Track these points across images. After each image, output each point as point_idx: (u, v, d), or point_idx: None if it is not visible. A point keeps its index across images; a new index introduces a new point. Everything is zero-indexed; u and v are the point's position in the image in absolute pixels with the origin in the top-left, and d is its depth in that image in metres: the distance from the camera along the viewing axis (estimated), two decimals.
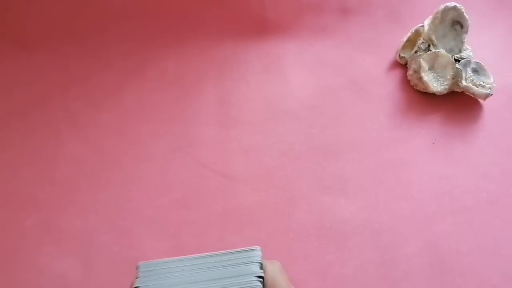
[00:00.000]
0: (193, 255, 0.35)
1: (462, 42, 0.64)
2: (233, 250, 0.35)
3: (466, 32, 0.64)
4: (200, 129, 0.60)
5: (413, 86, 0.65)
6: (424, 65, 0.62)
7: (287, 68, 0.67)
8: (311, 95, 0.64)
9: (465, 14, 0.63)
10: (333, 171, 0.56)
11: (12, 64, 0.67)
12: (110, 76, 0.66)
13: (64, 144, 0.58)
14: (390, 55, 0.69)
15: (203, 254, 0.35)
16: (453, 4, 0.63)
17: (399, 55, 0.67)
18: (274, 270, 0.35)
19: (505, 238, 0.51)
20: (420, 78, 0.62)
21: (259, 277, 0.34)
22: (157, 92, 0.64)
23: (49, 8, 0.71)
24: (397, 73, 0.67)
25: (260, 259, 0.34)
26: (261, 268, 0.34)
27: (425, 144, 0.59)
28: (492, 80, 0.62)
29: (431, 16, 0.66)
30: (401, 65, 0.68)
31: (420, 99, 0.63)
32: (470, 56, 0.64)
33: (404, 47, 0.67)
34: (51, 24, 0.70)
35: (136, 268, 0.35)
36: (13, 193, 0.54)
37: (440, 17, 0.63)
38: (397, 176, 0.56)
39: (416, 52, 0.65)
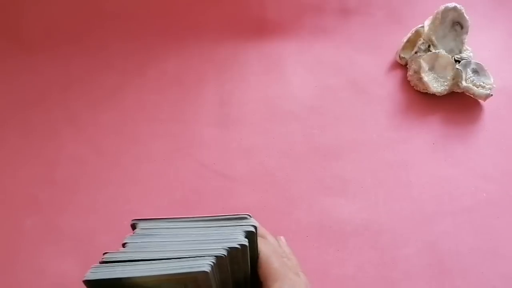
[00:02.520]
0: (187, 216, 0.36)
1: (462, 43, 0.64)
2: (225, 215, 0.36)
3: (466, 32, 0.64)
4: (200, 130, 0.60)
5: (413, 86, 0.65)
6: (424, 65, 0.62)
7: (287, 68, 0.67)
8: (311, 96, 0.64)
9: (465, 15, 0.64)
10: (333, 172, 0.56)
11: (12, 63, 0.67)
12: (110, 76, 0.66)
13: (63, 144, 0.58)
14: (390, 56, 0.69)
15: (197, 216, 0.35)
16: (453, 4, 0.63)
17: (399, 56, 0.67)
18: (267, 251, 0.35)
19: (505, 239, 0.51)
20: (420, 79, 0.62)
21: (241, 245, 0.34)
22: (157, 92, 0.64)
23: (49, 7, 0.71)
24: (397, 74, 0.67)
25: (248, 228, 0.35)
26: (247, 237, 0.35)
27: (425, 144, 0.59)
28: (492, 80, 0.62)
29: (431, 17, 0.66)
30: (401, 65, 0.68)
31: (420, 99, 0.63)
32: (470, 56, 0.64)
33: (404, 47, 0.67)
34: (51, 24, 0.70)
35: (131, 225, 0.36)
36: (12, 193, 0.54)
37: (440, 17, 0.63)
38: (397, 176, 0.56)
39: (416, 52, 0.65)
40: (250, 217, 0.36)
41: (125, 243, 0.35)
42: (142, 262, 0.33)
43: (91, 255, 0.49)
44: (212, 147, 0.58)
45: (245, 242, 0.34)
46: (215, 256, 0.32)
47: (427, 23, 0.66)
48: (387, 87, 0.65)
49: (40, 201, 0.53)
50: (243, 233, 0.35)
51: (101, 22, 0.71)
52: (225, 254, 0.33)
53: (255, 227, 0.35)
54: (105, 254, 0.33)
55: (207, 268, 0.31)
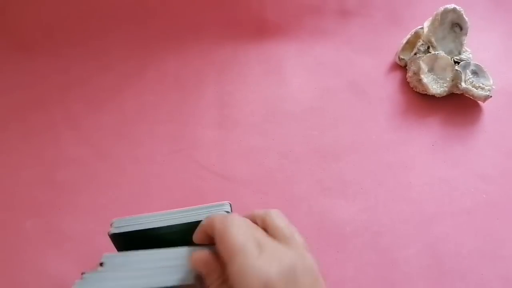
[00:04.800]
0: (167, 210, 0.38)
1: (461, 44, 0.64)
2: (205, 205, 0.37)
3: (466, 34, 0.64)
4: (200, 131, 0.60)
5: (412, 88, 0.65)
6: (424, 67, 0.62)
7: (287, 70, 0.67)
8: (311, 97, 0.64)
9: (464, 16, 0.64)
10: (333, 173, 0.56)
11: (12, 66, 0.67)
12: (110, 79, 0.66)
13: (64, 146, 0.58)
14: (389, 57, 0.69)
15: (176, 209, 0.37)
16: (452, 6, 0.63)
17: (399, 57, 0.67)
18: (222, 223, 0.29)
19: (504, 240, 0.51)
20: (420, 80, 0.62)
21: None
22: (157, 94, 0.64)
23: (50, 10, 0.71)
24: (396, 75, 0.67)
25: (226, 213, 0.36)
26: None
27: (424, 146, 0.59)
28: (491, 82, 0.62)
29: (430, 18, 0.66)
30: (401, 67, 0.68)
31: (420, 101, 0.64)
32: (469, 58, 0.64)
33: (404, 49, 0.67)
34: (51, 27, 0.71)
35: (110, 225, 0.37)
36: (13, 195, 0.54)
37: (439, 19, 0.64)
38: (396, 178, 0.56)
39: (415, 54, 0.65)
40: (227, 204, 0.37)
41: (102, 262, 0.35)
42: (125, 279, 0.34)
43: (91, 256, 0.49)
44: (212, 148, 0.58)
45: None
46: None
47: (426, 24, 0.66)
48: (387, 88, 0.65)
49: (41, 203, 0.53)
50: None
51: (101, 24, 0.71)
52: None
53: (228, 212, 0.36)
54: (83, 274, 0.34)
55: (193, 281, 0.32)
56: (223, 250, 0.28)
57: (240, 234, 0.28)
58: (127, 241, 0.37)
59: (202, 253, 0.31)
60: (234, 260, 0.27)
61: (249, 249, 0.27)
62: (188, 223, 0.36)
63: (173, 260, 0.34)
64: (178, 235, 0.36)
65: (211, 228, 0.31)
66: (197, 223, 0.35)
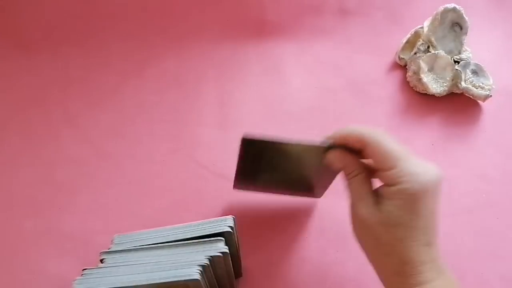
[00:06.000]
0: (169, 226, 0.38)
1: (461, 44, 0.64)
2: (207, 220, 0.37)
3: (466, 33, 0.64)
4: (199, 130, 0.60)
5: (412, 87, 0.65)
6: (424, 66, 0.62)
7: (287, 69, 0.67)
8: (310, 96, 0.64)
9: (464, 16, 0.64)
10: None
11: (11, 64, 0.67)
12: (109, 77, 0.66)
13: (63, 145, 0.58)
14: (389, 57, 0.69)
15: (178, 225, 0.37)
16: (452, 5, 0.63)
17: (399, 57, 0.67)
18: (373, 133, 0.33)
19: (505, 240, 0.51)
20: (420, 80, 0.62)
21: (223, 252, 0.35)
22: (156, 93, 0.64)
23: (49, 8, 0.71)
24: (396, 75, 0.67)
25: (230, 229, 0.36)
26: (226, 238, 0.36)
27: (424, 145, 0.59)
28: (491, 81, 0.62)
29: (430, 18, 0.66)
30: (401, 66, 0.68)
31: (420, 100, 0.64)
32: (469, 57, 0.64)
33: (404, 48, 0.67)
34: (50, 24, 0.70)
35: (111, 241, 0.37)
36: (12, 194, 0.54)
37: (439, 18, 0.64)
38: None
39: (415, 53, 0.65)
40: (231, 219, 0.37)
41: (103, 259, 0.35)
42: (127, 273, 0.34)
43: (90, 256, 0.49)
44: (212, 148, 0.58)
45: (225, 249, 0.35)
46: (201, 264, 0.33)
47: (426, 24, 0.66)
48: (387, 87, 0.65)
49: (40, 202, 0.53)
50: (222, 241, 0.35)
51: (101, 22, 0.71)
52: (208, 263, 0.34)
53: (232, 227, 0.37)
54: (84, 271, 0.34)
55: (198, 276, 0.32)
56: (381, 158, 0.31)
57: (395, 144, 0.32)
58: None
59: (336, 150, 0.34)
60: (398, 163, 0.31)
61: (410, 156, 0.31)
62: (191, 237, 0.36)
63: (173, 256, 0.34)
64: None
65: (359, 138, 0.33)
66: (199, 237, 0.34)
